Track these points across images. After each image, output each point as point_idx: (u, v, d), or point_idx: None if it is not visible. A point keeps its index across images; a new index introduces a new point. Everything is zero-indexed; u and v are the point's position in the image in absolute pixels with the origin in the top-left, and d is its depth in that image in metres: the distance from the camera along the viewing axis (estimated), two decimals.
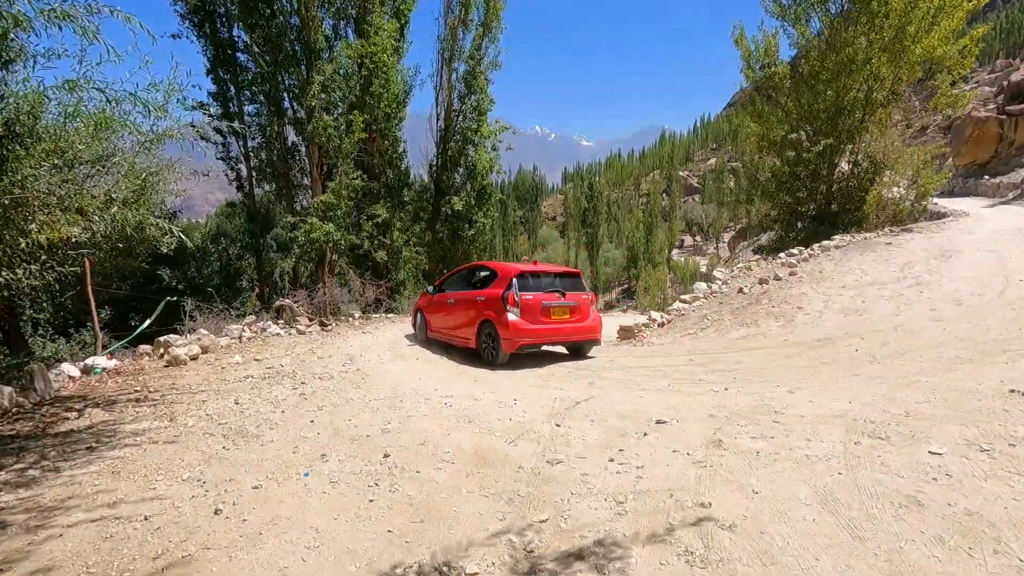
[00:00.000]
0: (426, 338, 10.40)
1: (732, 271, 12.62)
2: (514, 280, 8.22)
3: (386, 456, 4.20)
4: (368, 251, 16.82)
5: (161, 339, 8.76)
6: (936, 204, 25.52)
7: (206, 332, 9.17)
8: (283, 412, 5.60)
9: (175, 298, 9.40)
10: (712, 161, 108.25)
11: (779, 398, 5.35)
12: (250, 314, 11.97)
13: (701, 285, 12.07)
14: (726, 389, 6.09)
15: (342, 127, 15.63)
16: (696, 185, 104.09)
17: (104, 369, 7.31)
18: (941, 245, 14.65)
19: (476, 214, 17.96)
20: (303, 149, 16.74)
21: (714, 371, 7.10)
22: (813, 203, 20.79)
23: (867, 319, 8.75)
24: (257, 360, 8.49)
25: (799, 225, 21.55)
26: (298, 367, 8.06)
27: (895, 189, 22.65)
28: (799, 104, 19.65)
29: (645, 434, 4.48)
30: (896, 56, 18.72)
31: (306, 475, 3.88)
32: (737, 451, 3.96)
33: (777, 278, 11.57)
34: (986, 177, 39.50)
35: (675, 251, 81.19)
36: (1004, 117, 41.02)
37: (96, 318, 7.66)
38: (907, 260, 12.58)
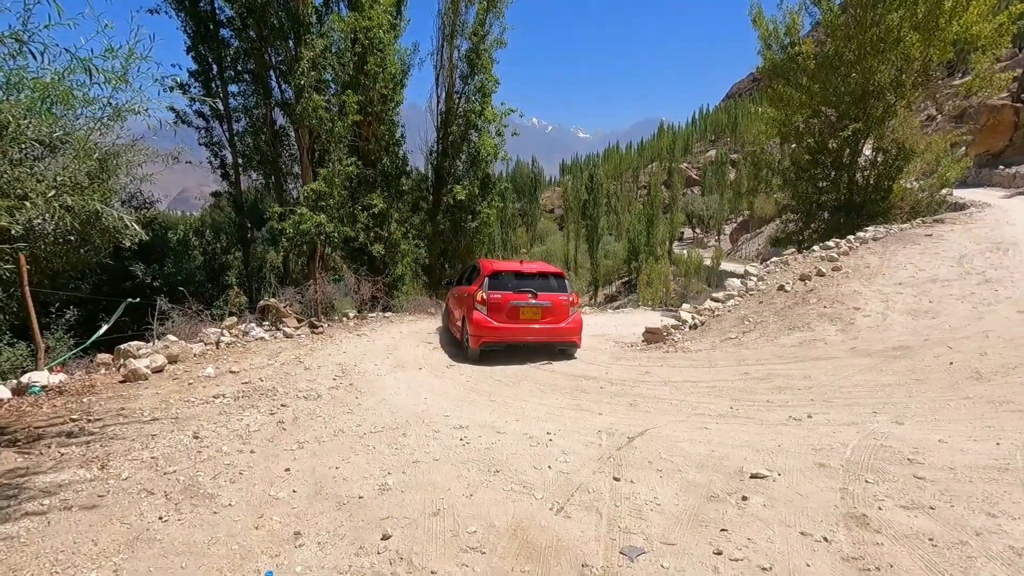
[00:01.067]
0: (446, 327, 10.29)
1: (767, 266, 11.41)
2: (486, 279, 8.33)
3: (385, 538, 2.96)
4: (364, 244, 15.55)
5: (121, 347, 7.49)
6: (951, 194, 24.24)
7: (175, 339, 7.91)
8: (252, 452, 4.36)
9: (139, 299, 8.10)
10: (712, 153, 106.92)
11: (893, 434, 4.14)
12: (231, 315, 10.71)
13: (734, 282, 10.84)
14: (809, 416, 4.87)
15: (334, 108, 14.32)
16: (696, 177, 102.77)
17: (43, 388, 6.05)
18: (988, 237, 13.45)
19: (479, 204, 16.68)
20: (292, 133, 15.40)
21: (780, 389, 5.88)
22: (836, 192, 19.55)
23: (943, 323, 7.53)
24: (233, 372, 7.23)
25: (822, 215, 20.34)
26: (280, 382, 6.81)
27: (911, 178, 21.47)
28: (825, 86, 18.35)
29: (744, 498, 3.25)
30: (929, 34, 17.44)
31: None
32: (897, 536, 2.74)
33: (820, 274, 10.35)
34: (1000, 167, 38.28)
35: (675, 244, 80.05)
36: (1020, 105, 39.78)
37: (36, 324, 6.38)
38: (960, 253, 11.37)
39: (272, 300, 10.78)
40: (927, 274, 9.83)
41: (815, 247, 12.89)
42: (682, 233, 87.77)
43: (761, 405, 5.41)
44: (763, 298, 9.94)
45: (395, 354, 9.02)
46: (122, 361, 6.93)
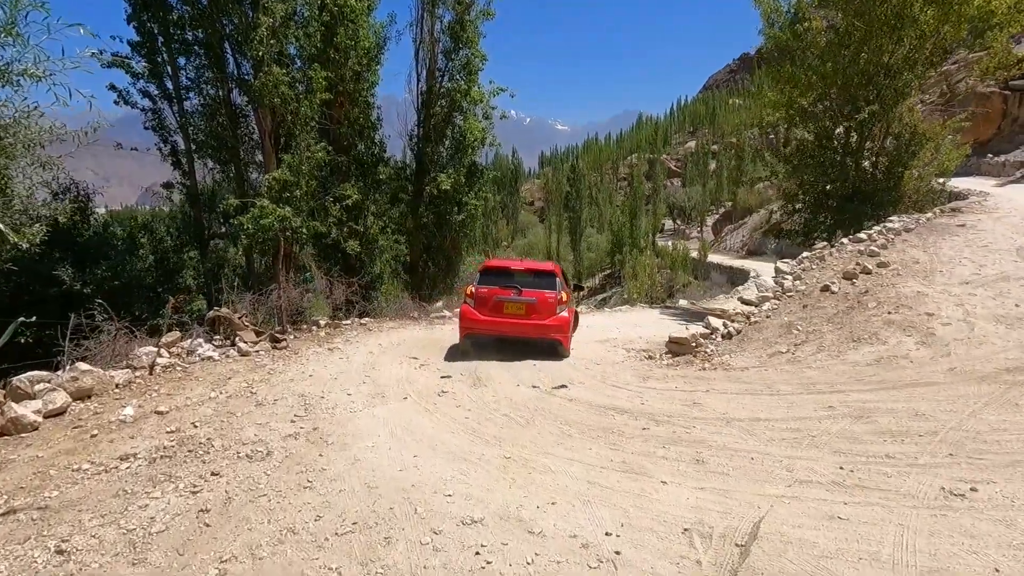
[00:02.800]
0: None
1: (800, 263, 10.02)
2: (479, 274, 8.85)
3: None
4: (337, 240, 13.76)
5: (13, 381, 5.69)
6: (944, 183, 23.12)
7: (87, 367, 6.12)
8: None
9: (34, 317, 6.28)
10: (691, 144, 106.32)
11: None
12: (172, 329, 8.89)
13: (766, 280, 9.42)
14: (973, 490, 3.40)
15: (300, 86, 12.48)
16: (676, 169, 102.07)
17: None
18: None
19: (466, 195, 15.00)
20: (253, 115, 13.51)
21: (892, 436, 4.41)
22: (845, 180, 18.30)
23: None
24: (160, 413, 5.51)
25: (829, 205, 19.11)
26: (220, 428, 5.12)
27: (922, 166, 20.46)
28: (836, 65, 17.02)
29: None
30: (946, 9, 16.23)
31: None
32: None
33: (866, 271, 8.98)
34: (989, 155, 37.84)
35: (657, 236, 79.13)
36: (1008, 93, 39.34)
37: None
38: (1012, 246, 10.13)
39: (224, 310, 8.99)
40: (993, 271, 8.52)
41: (844, 240, 11.55)
42: (663, 225, 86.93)
43: (880, 463, 3.94)
44: (805, 300, 8.51)
45: (373, 376, 7.36)
46: (1, 405, 5.14)
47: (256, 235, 11.37)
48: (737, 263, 46.82)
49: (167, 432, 4.96)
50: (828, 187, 18.95)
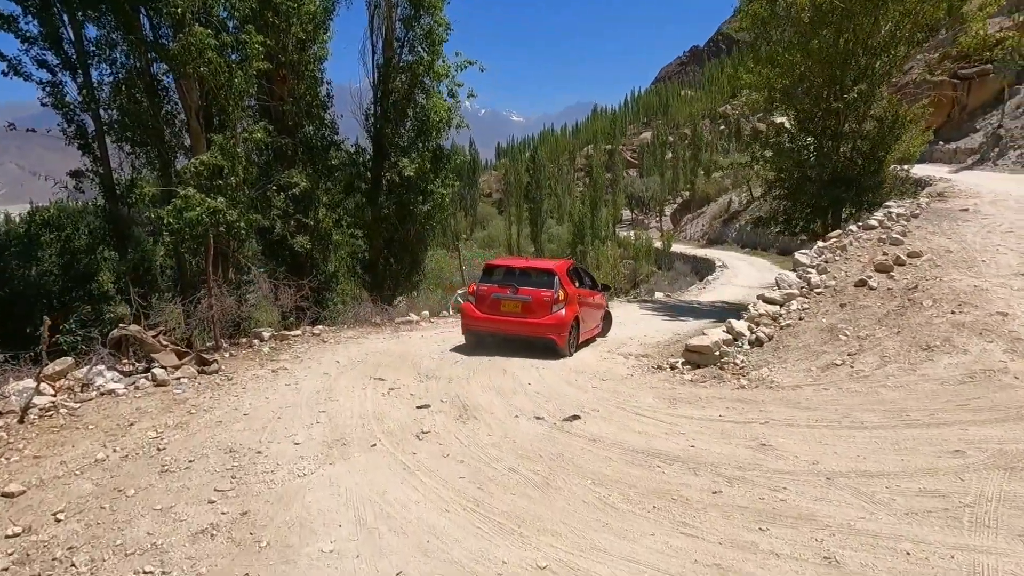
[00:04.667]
0: None
1: (821, 254, 8.88)
2: (482, 271, 9.03)
3: None
4: (283, 236, 11.86)
5: None
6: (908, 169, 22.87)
7: None
8: None
9: None
10: (646, 135, 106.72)
11: None
12: (78, 348, 6.98)
13: (789, 276, 8.21)
14: None
15: (231, 52, 10.50)
16: (632, 160, 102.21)
17: None
18: None
19: (431, 183, 13.31)
20: (176, 88, 11.39)
21: None
22: (829, 164, 17.50)
23: None
24: (6, 497, 3.73)
25: (810, 191, 18.30)
26: (94, 525, 3.42)
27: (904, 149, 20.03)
28: (821, 41, 16.10)
29: None
30: None
31: None
32: None
33: (900, 263, 7.90)
34: (940, 143, 38.53)
35: (617, 227, 78.89)
36: (958, 81, 40.21)
37: None
38: None
39: (132, 327, 7.07)
40: None
41: (853, 227, 10.53)
42: (621, 216, 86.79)
43: None
44: (841, 298, 7.33)
45: (330, 410, 5.71)
46: None
47: (181, 231, 9.41)
48: (700, 252, 46.74)
49: (5, 538, 3.21)
50: (809, 173, 18.13)
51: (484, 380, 7.03)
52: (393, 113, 13.02)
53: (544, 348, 8.17)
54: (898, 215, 11.04)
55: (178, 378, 6.69)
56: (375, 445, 4.81)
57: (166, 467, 4.22)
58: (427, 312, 12.37)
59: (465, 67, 13.04)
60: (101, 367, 6.62)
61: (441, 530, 3.34)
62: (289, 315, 11.01)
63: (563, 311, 8.09)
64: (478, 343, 9.19)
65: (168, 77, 11.46)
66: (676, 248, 50.65)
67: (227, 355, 8.09)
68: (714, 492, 3.66)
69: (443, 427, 5.30)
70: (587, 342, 9.35)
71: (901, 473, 3.64)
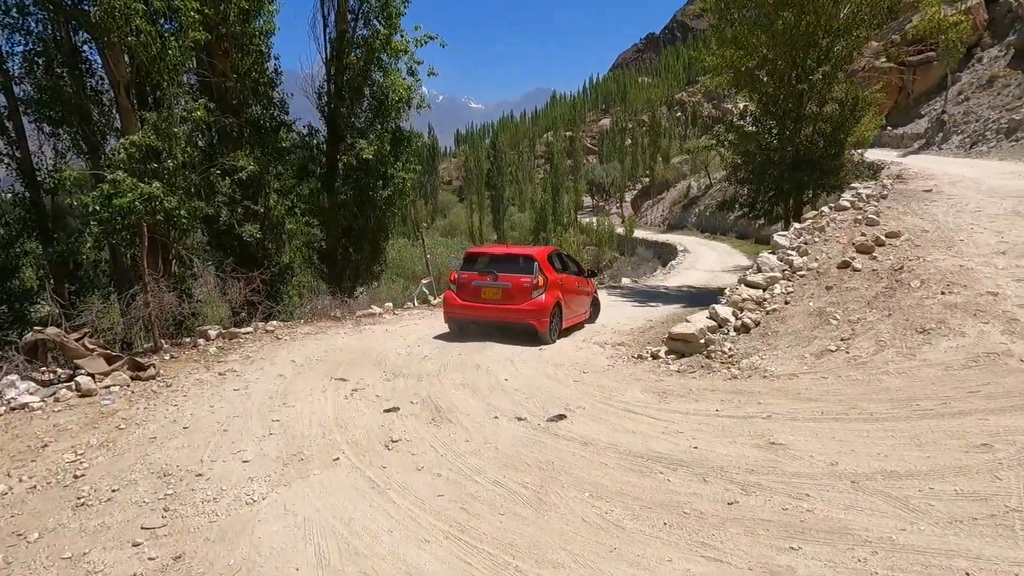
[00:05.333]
0: None
1: (800, 235, 8.65)
2: (463, 259, 9.05)
3: None
4: (230, 225, 10.91)
5: None
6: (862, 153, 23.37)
7: None
8: None
9: None
10: (605, 121, 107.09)
11: None
12: None
13: (770, 259, 7.93)
14: None
15: (163, 20, 9.47)
16: (591, 146, 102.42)
17: None
18: (996, 190, 11.80)
19: (391, 166, 12.53)
20: (102, 61, 10.23)
21: None
22: (792, 147, 17.53)
23: None
24: None
25: (772, 174, 18.33)
26: None
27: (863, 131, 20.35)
28: (785, 23, 16.00)
29: None
30: None
31: None
32: None
33: (880, 243, 7.72)
34: (888, 128, 39.73)
35: (577, 213, 78.98)
36: (904, 68, 41.44)
37: None
38: (1009, 209, 9.34)
39: (49, 331, 6.16)
40: (1019, 237, 7.49)
41: (825, 208, 10.39)
42: (582, 202, 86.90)
43: None
44: (827, 280, 7.08)
45: (285, 418, 5.05)
46: None
47: (111, 220, 8.43)
48: (661, 237, 47.12)
49: None
50: (772, 156, 18.14)
51: (457, 377, 6.48)
52: (348, 92, 12.14)
53: (526, 335, 8.08)
54: (868, 196, 10.99)
55: (108, 387, 5.88)
56: (338, 459, 4.21)
57: (83, 500, 3.51)
58: (390, 304, 11.69)
59: (425, 42, 12.26)
60: (13, 377, 5.74)
61: (421, 569, 2.79)
62: (240, 311, 10.16)
63: (543, 297, 8.02)
64: (450, 334, 8.72)
65: (92, 48, 10.30)
66: (638, 234, 50.94)
67: (167, 357, 7.27)
68: (730, 503, 3.24)
69: (415, 433, 4.74)
70: (574, 328, 9.27)
71: (930, 473, 3.30)
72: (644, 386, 5.78)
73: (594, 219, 61.30)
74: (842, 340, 5.71)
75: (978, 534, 2.70)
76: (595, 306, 10.34)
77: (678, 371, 6.20)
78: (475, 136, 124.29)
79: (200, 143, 11.14)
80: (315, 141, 12.65)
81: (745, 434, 4.18)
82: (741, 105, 18.83)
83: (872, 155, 26.44)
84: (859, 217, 8.99)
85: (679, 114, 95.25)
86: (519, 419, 5.03)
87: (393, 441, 4.55)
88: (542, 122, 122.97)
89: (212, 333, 8.33)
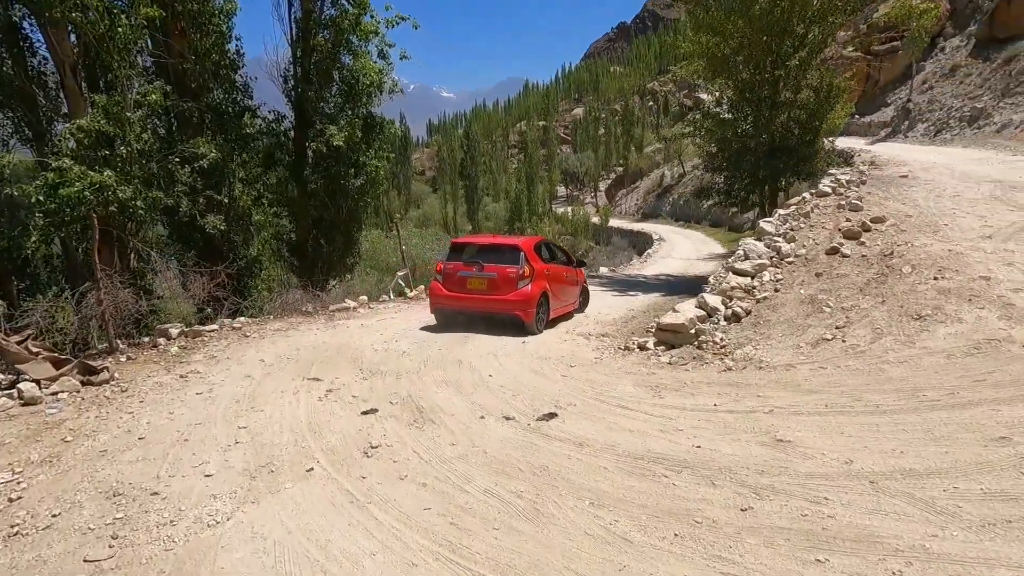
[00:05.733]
0: None
1: (785, 221, 8.51)
2: (448, 249, 8.99)
3: None
4: (191, 216, 10.28)
5: None
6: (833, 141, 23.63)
7: None
8: None
9: None
10: (578, 111, 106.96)
11: None
12: None
13: (756, 245, 7.75)
14: None
15: None
16: (565, 136, 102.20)
17: None
18: (969, 175, 11.90)
19: (364, 154, 12.02)
20: (44, 39, 9.47)
21: None
22: (768, 135, 17.52)
23: None
24: None
25: (749, 161, 18.31)
26: None
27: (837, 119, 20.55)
28: (760, 9, 15.88)
29: None
30: None
31: None
32: None
33: (866, 228, 7.63)
34: (856, 116, 40.40)
35: (552, 203, 78.81)
36: (870, 57, 42.13)
37: None
38: (987, 193, 9.37)
39: None
40: (1001, 221, 7.49)
41: (806, 195, 10.30)
42: (556, 191, 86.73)
43: None
44: (816, 267, 6.93)
45: (253, 424, 4.65)
46: None
47: (58, 211, 7.80)
48: (636, 226, 47.25)
49: None
50: (749, 143, 18.12)
51: (438, 374, 6.14)
52: (316, 75, 11.55)
53: (512, 325, 8.01)
54: (848, 182, 10.95)
55: (55, 394, 5.37)
56: (312, 469, 3.84)
57: (17, 528, 3.08)
58: (365, 297, 11.23)
59: (397, 23, 11.72)
60: None
61: None
62: (205, 307, 9.59)
63: (529, 287, 7.95)
64: (429, 328, 8.42)
65: (32, 25, 9.53)
66: (613, 223, 50.99)
67: (123, 359, 6.74)
68: (743, 509, 2.99)
69: (396, 438, 4.39)
70: (563, 318, 9.22)
71: (951, 470, 3.10)
72: (636, 380, 5.53)
73: (569, 209, 61.19)
74: (837, 328, 5.55)
75: (1016, 539, 2.50)
76: (584, 295, 10.31)
77: (669, 363, 5.97)
78: (448, 126, 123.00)
79: (159, 129, 10.48)
80: (282, 127, 12.03)
81: (749, 430, 3.95)
82: (716, 93, 18.70)
83: (841, 143, 26.78)
84: (842, 203, 8.90)
85: (651, 103, 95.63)
86: (507, 419, 4.73)
87: (372, 447, 4.19)
88: (515, 111, 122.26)
89: (173, 332, 7.79)
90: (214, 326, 8.40)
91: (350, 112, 11.89)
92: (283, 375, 6.11)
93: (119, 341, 7.35)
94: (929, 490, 2.95)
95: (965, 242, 6.77)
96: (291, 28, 11.53)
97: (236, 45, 11.26)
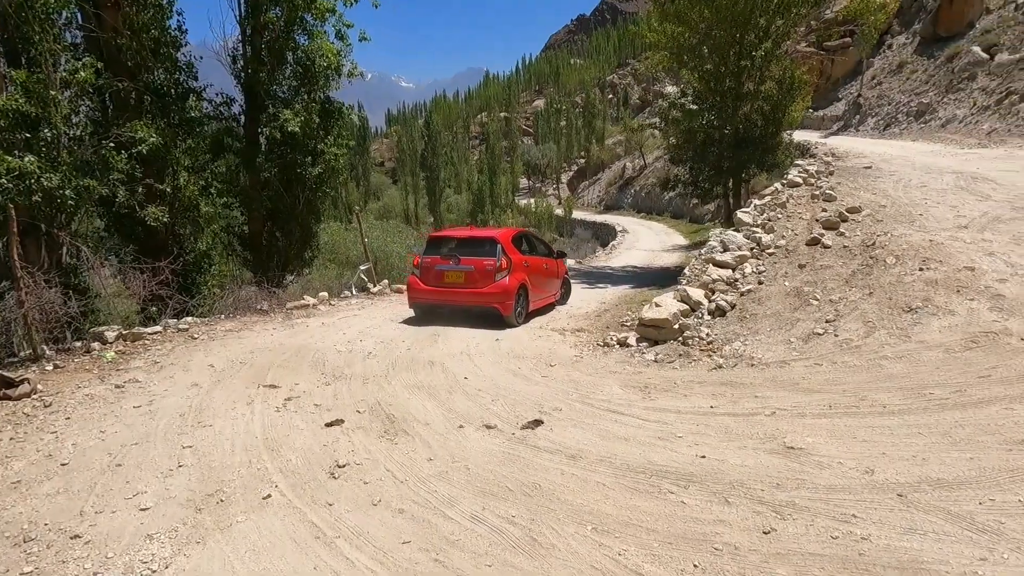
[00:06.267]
0: None
1: (762, 212, 8.34)
2: (425, 243, 8.96)
3: None
4: (131, 207, 9.40)
5: None
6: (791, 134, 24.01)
7: None
8: None
9: None
10: (539, 103, 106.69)
11: None
12: None
13: (735, 236, 7.53)
14: None
15: None
16: (526, 127, 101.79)
17: None
18: (930, 167, 12.10)
19: (322, 140, 11.31)
20: None
21: None
22: (733, 126, 17.56)
23: None
24: None
25: (713, 152, 18.35)
26: None
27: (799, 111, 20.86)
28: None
29: None
30: None
31: None
32: None
33: (843, 219, 7.52)
34: (810, 110, 41.43)
35: (515, 195, 78.44)
36: (823, 53, 43.21)
37: None
38: (951, 184, 9.46)
39: None
40: (973, 211, 7.50)
41: (777, 185, 10.22)
42: (518, 183, 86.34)
43: None
44: (798, 258, 6.76)
45: (200, 444, 4.08)
46: None
47: None
48: (599, 218, 47.37)
49: None
50: (714, 134, 18.15)
51: (408, 377, 5.68)
52: (268, 56, 10.75)
53: (490, 318, 7.97)
54: (817, 172, 10.94)
55: None
56: (269, 496, 3.33)
57: None
58: (325, 294, 10.57)
59: (355, 1, 11.02)
60: None
61: None
62: (148, 306, 8.78)
63: (507, 279, 7.89)
64: (396, 326, 8.00)
65: None
66: (576, 214, 50.97)
67: (50, 368, 5.99)
68: (765, 532, 2.67)
69: (366, 454, 3.92)
70: (543, 310, 9.22)
71: (982, 479, 2.87)
72: (622, 380, 5.20)
73: (532, 200, 60.95)
74: (827, 322, 5.35)
75: None
76: (566, 287, 10.31)
77: (655, 361, 5.67)
78: (407, 116, 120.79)
79: (93, 112, 9.53)
80: (232, 111, 11.18)
81: (754, 436, 3.65)
82: (677, 88, 18.64)
83: (797, 136, 27.34)
84: (816, 193, 8.81)
85: (611, 96, 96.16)
86: (488, 427, 4.31)
87: (339, 466, 3.71)
88: (476, 102, 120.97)
89: (110, 335, 7.03)
90: (157, 328, 7.66)
91: (306, 96, 11.15)
92: (235, 382, 5.51)
93: (46, 347, 6.56)
94: (964, 503, 2.69)
95: (943, 232, 6.72)
96: (239, 4, 10.67)
97: (178, 21, 10.32)
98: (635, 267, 19.44)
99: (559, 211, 51.85)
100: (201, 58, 10.86)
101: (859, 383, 4.24)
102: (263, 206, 11.06)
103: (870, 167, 12.24)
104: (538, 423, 4.34)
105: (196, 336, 7.44)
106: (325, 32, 11.23)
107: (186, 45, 10.74)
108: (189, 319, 8.30)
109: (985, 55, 23.79)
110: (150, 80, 10.14)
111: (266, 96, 10.81)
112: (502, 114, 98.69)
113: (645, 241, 29.10)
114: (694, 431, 3.87)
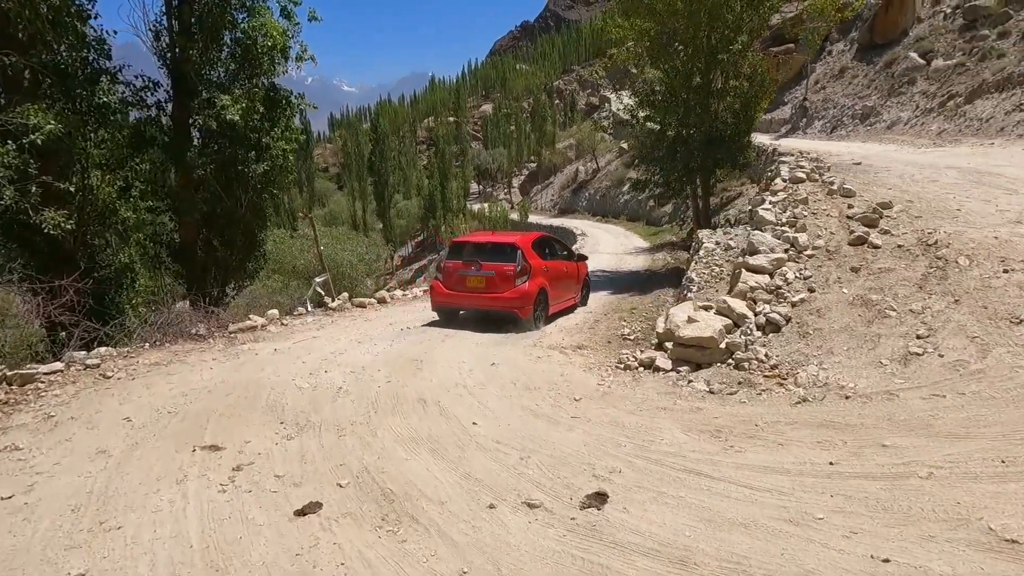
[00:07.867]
0: None
1: (785, 209, 7.42)
2: (448, 248, 9.33)
3: None
4: (24, 211, 7.54)
5: None
6: None
7: None
8: None
9: None
10: (487, 107, 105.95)
11: None
12: None
13: (765, 238, 6.54)
14: None
15: None
16: (474, 132, 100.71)
17: None
18: (932, 164, 11.70)
19: (268, 133, 9.71)
20: None
21: None
22: (703, 124, 16.97)
23: None
24: None
25: (683, 151, 17.70)
26: None
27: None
28: None
29: None
30: None
31: None
32: None
33: (879, 214, 6.67)
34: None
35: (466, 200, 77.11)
36: (774, 50, 44.16)
37: None
38: (956, 179, 8.92)
39: None
40: (1011, 204, 6.82)
41: (778, 180, 9.43)
42: (468, 188, 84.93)
43: None
44: (846, 260, 5.84)
45: (102, 560, 2.62)
46: None
47: None
48: (556, 222, 46.70)
49: None
50: (684, 132, 17.51)
51: (398, 424, 4.34)
52: (199, 30, 9.07)
53: (510, 322, 8.04)
54: (820, 167, 10.29)
55: None
56: None
57: None
58: (275, 312, 8.95)
59: None
60: None
61: None
62: (44, 340, 6.98)
63: (527, 284, 8.01)
64: (368, 346, 6.66)
65: None
66: (531, 219, 50.12)
67: None
68: None
69: (363, 565, 2.58)
70: (564, 312, 9.22)
71: None
72: (681, 421, 4.05)
73: (485, 205, 59.66)
74: (919, 338, 4.39)
75: None
76: (586, 289, 10.44)
77: (710, 392, 4.56)
78: (352, 120, 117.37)
79: None
80: (156, 98, 9.40)
81: (933, 517, 2.56)
82: (627, 91, 17.94)
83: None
84: (832, 188, 8.03)
85: (557, 102, 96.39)
86: (531, 506, 3.06)
87: None
88: (422, 107, 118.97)
89: None
90: (57, 365, 5.93)
91: (248, 81, 9.53)
92: (161, 444, 4.02)
93: None
94: None
95: (999, 228, 5.98)
96: None
97: None
98: (604, 271, 18.56)
99: (514, 215, 50.86)
100: (115, 33, 9.06)
101: (1015, 421, 3.25)
102: (197, 209, 9.32)
103: (860, 163, 11.74)
104: (602, 497, 3.12)
105: (110, 374, 5.78)
106: (268, 8, 9.67)
107: (96, 17, 8.94)
108: (102, 350, 6.56)
109: (922, 61, 24.63)
110: (49, 59, 8.28)
111: (198, 79, 9.12)
112: (451, 118, 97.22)
113: (606, 244, 28.47)
114: (835, 508, 2.75)
